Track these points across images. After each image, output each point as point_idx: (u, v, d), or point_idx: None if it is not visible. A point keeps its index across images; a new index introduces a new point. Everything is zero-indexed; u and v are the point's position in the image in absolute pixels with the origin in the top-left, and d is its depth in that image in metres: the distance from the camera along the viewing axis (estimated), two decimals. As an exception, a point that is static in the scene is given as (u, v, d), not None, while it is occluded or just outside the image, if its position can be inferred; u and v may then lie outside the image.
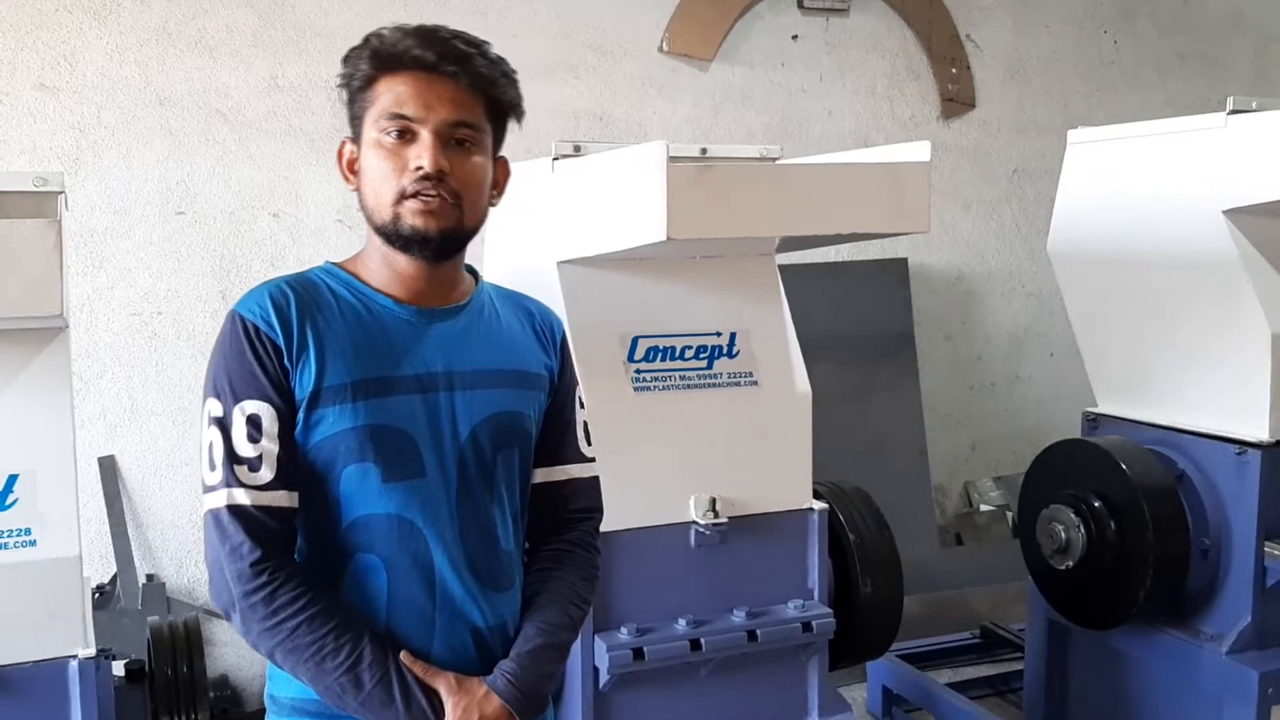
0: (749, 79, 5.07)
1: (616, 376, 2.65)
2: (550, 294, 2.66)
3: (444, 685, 1.65)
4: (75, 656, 2.30)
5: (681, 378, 2.72)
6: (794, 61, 5.15)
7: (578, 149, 2.71)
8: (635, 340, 2.69)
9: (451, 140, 1.64)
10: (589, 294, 2.65)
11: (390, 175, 1.64)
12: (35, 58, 3.97)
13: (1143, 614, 3.13)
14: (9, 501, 2.26)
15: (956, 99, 5.48)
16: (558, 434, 1.87)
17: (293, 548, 1.65)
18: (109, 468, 4.08)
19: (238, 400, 1.61)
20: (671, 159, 2.25)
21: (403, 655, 1.64)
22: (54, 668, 2.29)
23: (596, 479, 1.93)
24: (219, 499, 1.60)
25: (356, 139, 1.70)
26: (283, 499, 1.62)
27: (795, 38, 5.15)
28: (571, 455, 1.89)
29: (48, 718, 2.28)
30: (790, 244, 2.96)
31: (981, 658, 4.66)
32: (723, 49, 4.99)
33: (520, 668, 1.71)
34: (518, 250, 2.93)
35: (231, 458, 1.60)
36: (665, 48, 4.89)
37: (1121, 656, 3.36)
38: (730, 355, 2.77)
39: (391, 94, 1.64)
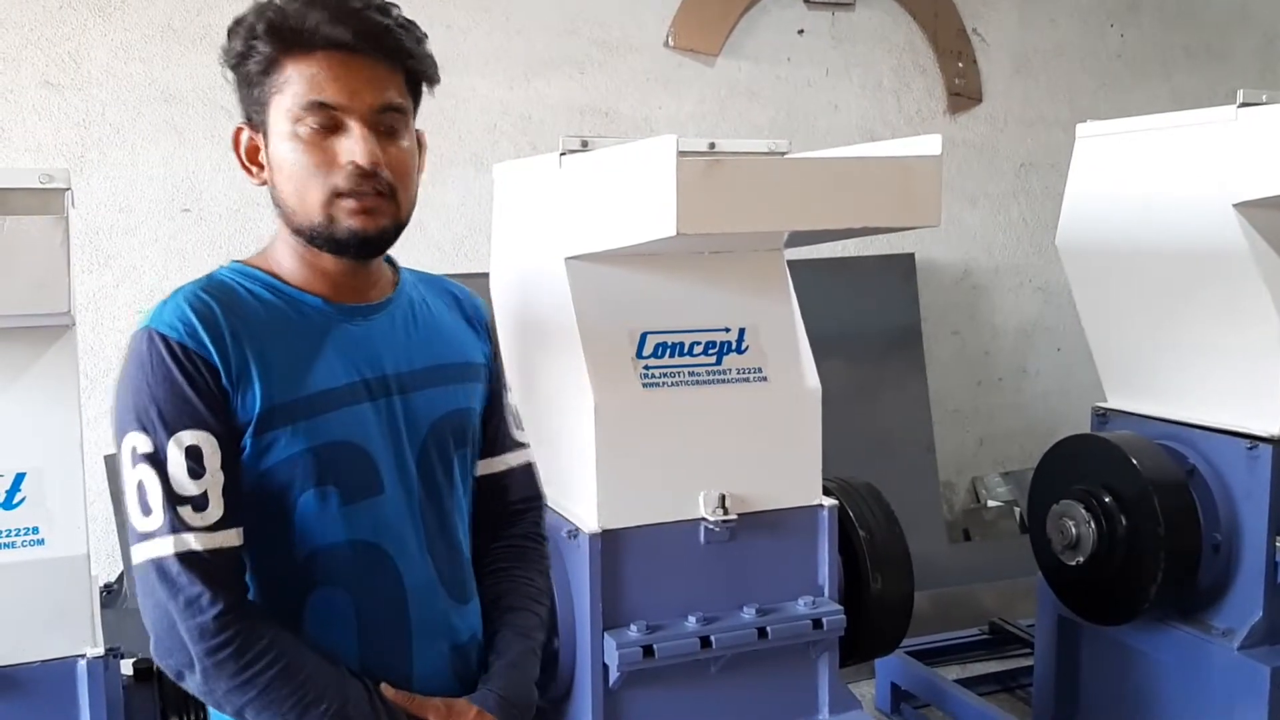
0: (755, 74, 5.06)
1: (625, 373, 2.63)
2: (558, 290, 2.65)
3: (434, 714, 1.54)
4: (83, 656, 2.30)
5: (690, 374, 2.70)
6: (800, 56, 5.14)
7: (585, 144, 2.70)
8: (644, 336, 2.67)
9: (379, 127, 1.47)
10: (597, 290, 2.64)
11: (315, 172, 1.45)
12: (40, 55, 3.96)
13: (1153, 609, 3.12)
14: (16, 500, 2.25)
15: (963, 93, 5.47)
16: (495, 423, 1.75)
17: (246, 590, 1.47)
18: (116, 466, 4.07)
19: (171, 431, 1.41)
20: (681, 153, 2.24)
21: (384, 689, 1.51)
22: (62, 667, 2.29)
23: (532, 465, 1.82)
24: (162, 547, 1.39)
25: (258, 127, 1.51)
26: (233, 538, 1.43)
27: (801, 32, 5.13)
28: (509, 443, 1.78)
29: (56, 717, 2.28)
30: (799, 239, 2.94)
31: (990, 654, 4.64)
32: (728, 44, 4.98)
33: (508, 681, 1.63)
34: (525, 247, 2.92)
35: (172, 498, 1.40)
36: (671, 43, 4.87)
37: (1132, 652, 3.34)
38: (739, 351, 2.76)
39: (304, 79, 1.45)
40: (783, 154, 2.95)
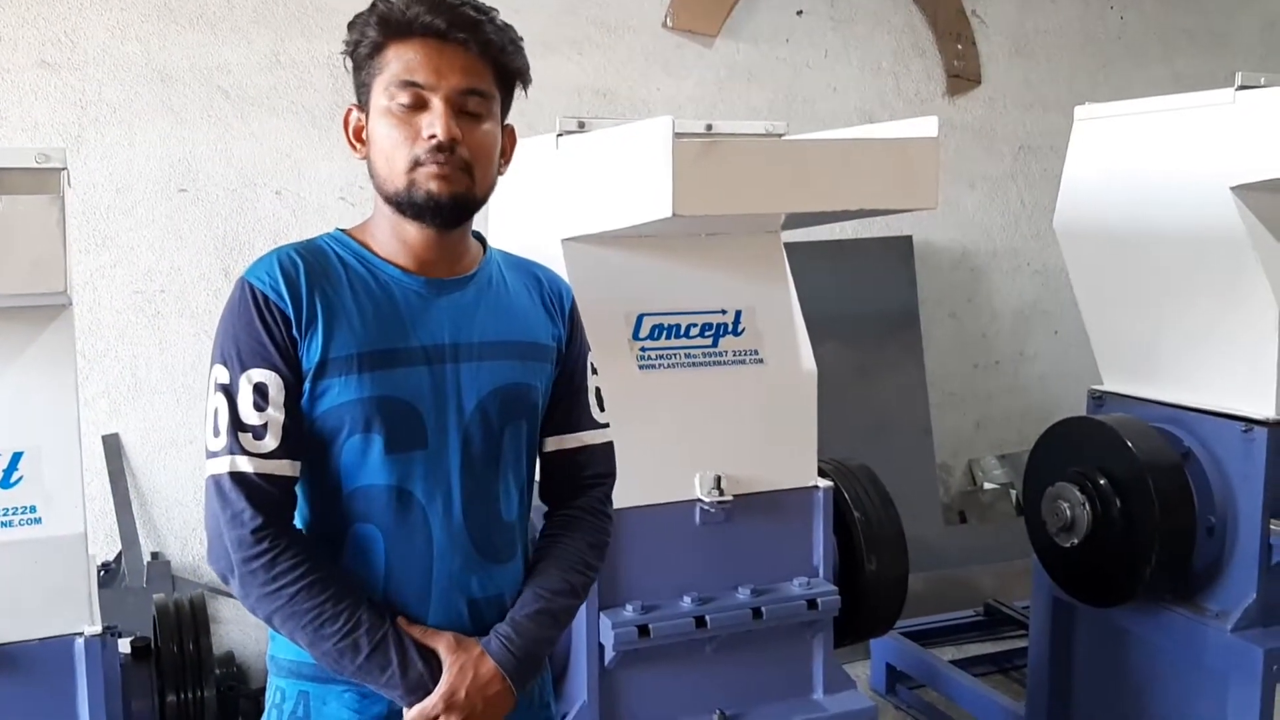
0: (754, 55, 5.04)
1: (621, 354, 2.64)
2: (555, 272, 2.64)
3: (443, 644, 1.67)
4: (81, 634, 2.30)
5: (687, 356, 2.71)
6: (799, 38, 5.12)
7: (582, 125, 2.70)
8: (640, 318, 2.67)
9: (462, 108, 1.63)
10: (594, 271, 2.64)
11: (402, 143, 1.62)
12: (36, 34, 3.95)
13: (1148, 591, 3.13)
14: (14, 479, 2.26)
15: (962, 75, 5.45)
16: (569, 401, 1.87)
17: (292, 515, 1.66)
18: (113, 446, 4.08)
19: (245, 368, 1.61)
20: (678, 135, 2.24)
21: (399, 620, 1.66)
22: (59, 645, 2.29)
23: (610, 444, 1.92)
24: (221, 465, 1.60)
25: (364, 107, 1.69)
26: (285, 468, 1.62)
27: (800, 13, 5.12)
28: (584, 422, 1.88)
29: (54, 695, 2.29)
30: (796, 221, 2.94)
31: (985, 635, 4.67)
32: (727, 25, 4.96)
33: (515, 632, 1.71)
34: (522, 227, 2.91)
35: (236, 425, 1.60)
36: (669, 23, 4.86)
37: (1126, 634, 3.36)
38: (736, 333, 2.76)
39: (401, 61, 1.62)
40: (780, 136, 2.95)
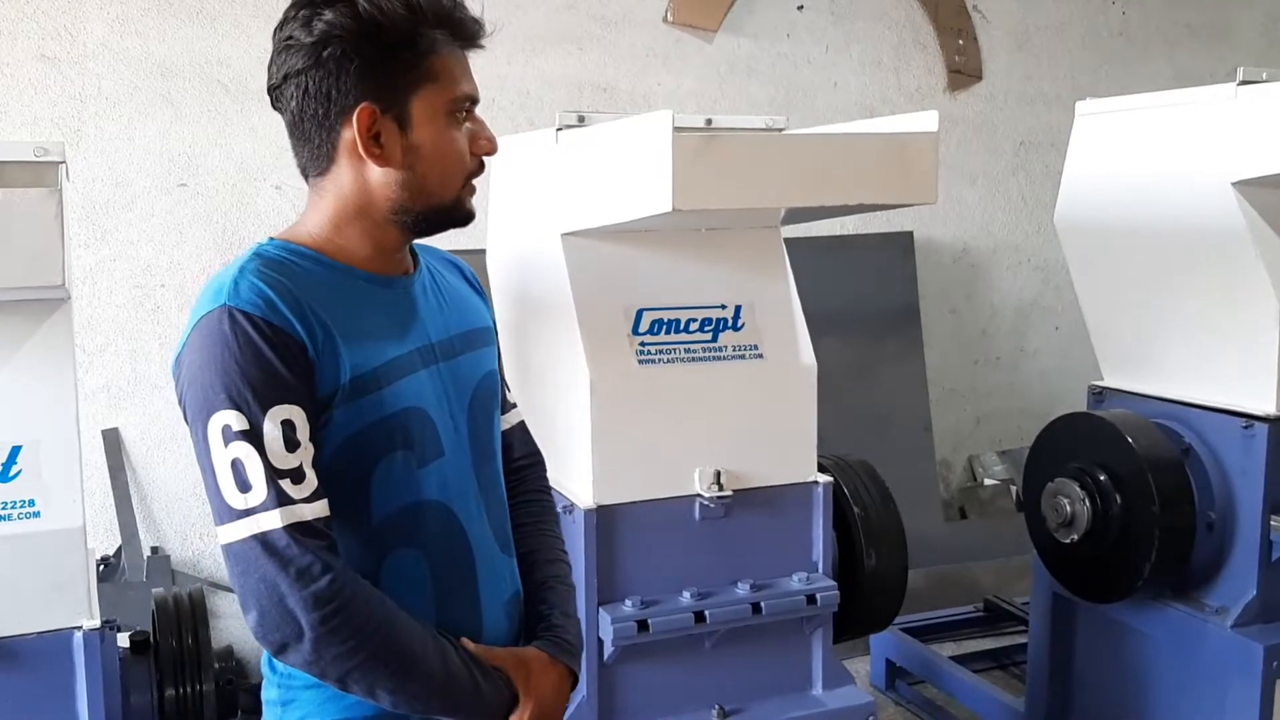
0: (754, 50, 5.03)
1: (621, 349, 2.63)
2: (554, 266, 2.65)
3: (509, 662, 1.61)
4: (80, 628, 2.30)
5: (686, 351, 2.70)
6: (799, 33, 5.12)
7: (582, 119, 2.69)
8: (639, 313, 2.67)
9: None
10: (593, 266, 2.64)
11: (463, 158, 1.57)
12: (36, 28, 3.94)
13: (1147, 588, 3.12)
14: (13, 473, 2.26)
15: (963, 70, 5.44)
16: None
17: (342, 557, 1.48)
18: (113, 440, 4.08)
19: (266, 407, 1.41)
20: (677, 129, 2.23)
21: (464, 643, 1.57)
22: (59, 639, 2.30)
23: (524, 422, 1.92)
24: (268, 521, 1.40)
25: (391, 110, 1.52)
26: (325, 508, 1.45)
27: (800, 8, 5.11)
28: (507, 404, 1.87)
29: (52, 689, 2.29)
30: (796, 216, 2.94)
31: (985, 631, 4.67)
32: (727, 20, 4.96)
33: (566, 627, 1.73)
34: (521, 223, 2.91)
35: (273, 473, 1.40)
36: (670, 18, 4.85)
37: (1126, 630, 3.35)
38: (735, 328, 2.75)
39: (451, 70, 1.54)
40: (780, 130, 2.94)
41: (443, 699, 1.52)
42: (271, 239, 1.58)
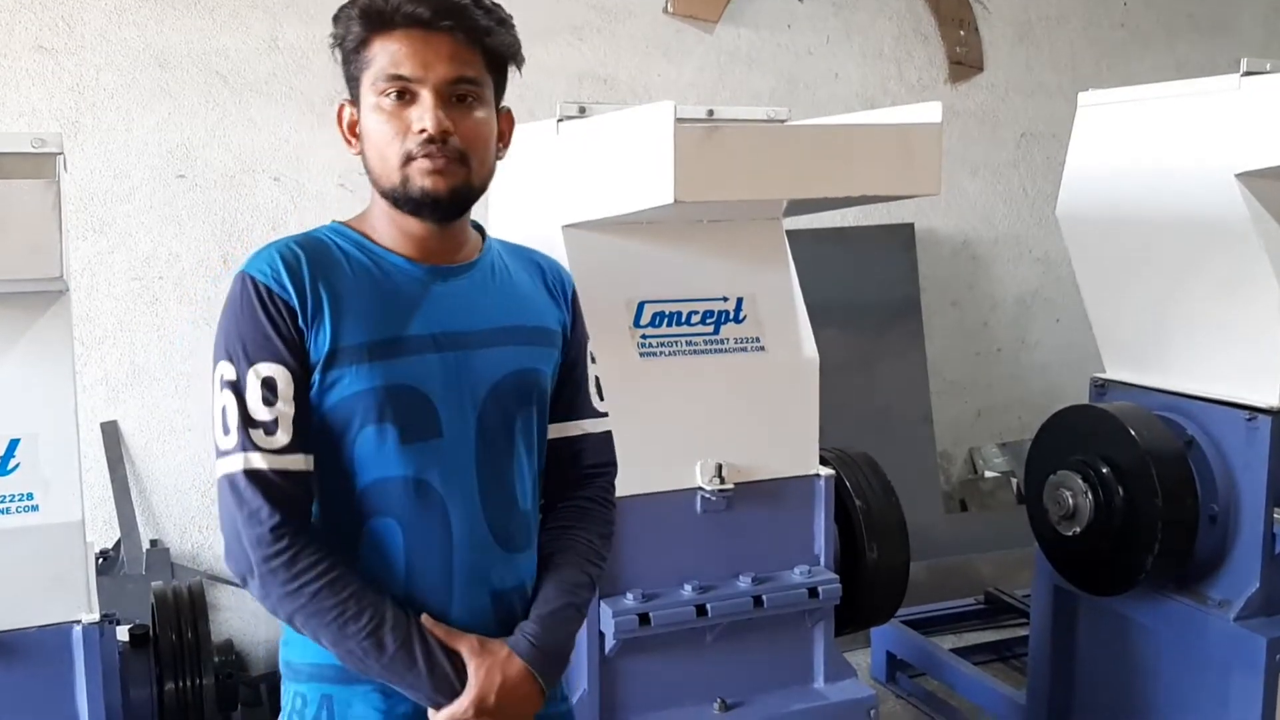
0: (755, 41, 5.01)
1: (622, 342, 2.63)
2: (555, 258, 2.63)
3: (466, 647, 1.64)
4: (79, 622, 2.29)
5: (688, 343, 2.70)
6: (800, 23, 5.10)
7: (583, 111, 2.68)
8: (641, 305, 2.66)
9: (452, 98, 1.61)
10: (594, 258, 2.62)
11: (394, 138, 1.60)
12: (33, 19, 3.92)
13: (1150, 580, 3.12)
14: (11, 466, 2.25)
15: (964, 62, 5.42)
16: (571, 389, 1.86)
17: (309, 511, 1.63)
18: (111, 433, 4.07)
19: (251, 363, 1.58)
20: (679, 120, 2.22)
21: (424, 618, 1.63)
22: (58, 633, 2.29)
23: (609, 434, 1.92)
24: (234, 464, 1.57)
25: (355, 101, 1.66)
26: (299, 462, 1.60)
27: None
28: (585, 410, 1.87)
29: (52, 683, 2.28)
30: (798, 207, 2.93)
31: (986, 624, 4.67)
32: (728, 10, 4.93)
33: (542, 629, 1.70)
34: (522, 214, 2.90)
35: (246, 421, 1.57)
36: (670, 9, 4.83)
37: (1128, 623, 3.35)
38: (737, 321, 2.75)
39: (387, 54, 1.60)
40: (782, 121, 2.93)
41: (381, 665, 1.60)
42: (334, 221, 1.74)
